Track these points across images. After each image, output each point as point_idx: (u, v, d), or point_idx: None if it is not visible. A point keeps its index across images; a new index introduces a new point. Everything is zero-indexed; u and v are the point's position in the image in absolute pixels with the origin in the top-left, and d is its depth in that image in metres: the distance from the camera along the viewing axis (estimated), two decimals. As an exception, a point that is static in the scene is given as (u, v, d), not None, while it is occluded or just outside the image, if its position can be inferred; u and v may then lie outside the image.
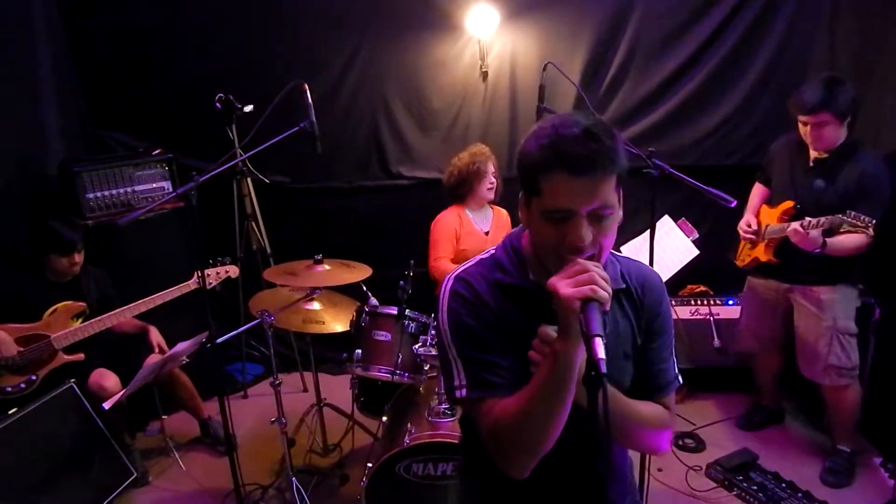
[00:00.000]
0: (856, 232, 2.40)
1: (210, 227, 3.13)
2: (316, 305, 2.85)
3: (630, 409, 1.14)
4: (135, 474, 2.85)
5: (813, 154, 2.62)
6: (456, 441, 2.27)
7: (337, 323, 2.81)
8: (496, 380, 1.11)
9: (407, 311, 2.50)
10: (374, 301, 2.78)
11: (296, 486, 2.61)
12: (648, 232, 2.39)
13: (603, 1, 3.49)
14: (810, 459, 2.93)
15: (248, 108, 3.35)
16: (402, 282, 2.48)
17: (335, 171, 3.83)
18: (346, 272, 2.69)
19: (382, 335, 2.52)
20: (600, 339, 0.90)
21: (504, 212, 3.33)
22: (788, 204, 2.70)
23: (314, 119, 2.41)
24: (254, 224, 3.64)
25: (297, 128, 2.37)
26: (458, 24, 3.55)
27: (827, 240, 2.46)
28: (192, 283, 2.91)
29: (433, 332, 2.57)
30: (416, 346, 2.41)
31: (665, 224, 3.13)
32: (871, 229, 2.28)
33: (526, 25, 3.56)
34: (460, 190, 3.18)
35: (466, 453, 1.39)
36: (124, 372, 2.87)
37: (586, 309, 0.94)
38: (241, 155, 2.51)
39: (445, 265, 3.10)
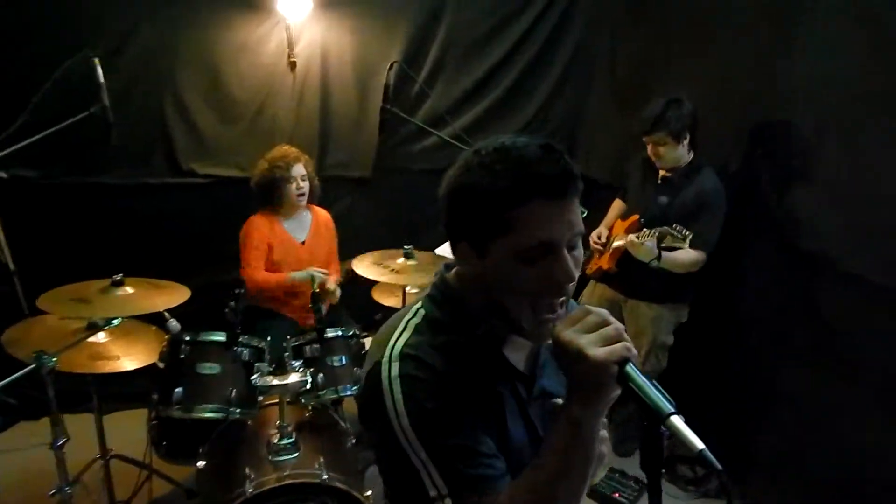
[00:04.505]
0: (682, 247, 2.45)
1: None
2: (101, 337, 2.26)
3: None
4: None
5: (661, 172, 2.77)
6: (305, 480, 1.99)
7: (130, 358, 2.26)
8: (489, 472, 0.91)
9: (240, 336, 2.12)
10: (174, 324, 2.31)
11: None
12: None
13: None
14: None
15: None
16: (231, 302, 2.08)
17: (105, 164, 3.10)
18: (156, 295, 2.17)
19: (209, 367, 2.09)
20: (680, 418, 0.76)
21: (324, 212, 3.09)
22: (634, 218, 2.78)
23: (107, 103, 1.89)
24: (-13, 232, 2.76)
25: (85, 113, 1.83)
26: (264, 4, 3.15)
27: (663, 253, 2.50)
28: None
29: (269, 358, 2.23)
30: (254, 377, 2.05)
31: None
32: (686, 242, 2.39)
33: (340, 15, 3.31)
34: (268, 198, 2.87)
35: None
36: None
37: (635, 377, 0.80)
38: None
39: (260, 276, 2.80)
